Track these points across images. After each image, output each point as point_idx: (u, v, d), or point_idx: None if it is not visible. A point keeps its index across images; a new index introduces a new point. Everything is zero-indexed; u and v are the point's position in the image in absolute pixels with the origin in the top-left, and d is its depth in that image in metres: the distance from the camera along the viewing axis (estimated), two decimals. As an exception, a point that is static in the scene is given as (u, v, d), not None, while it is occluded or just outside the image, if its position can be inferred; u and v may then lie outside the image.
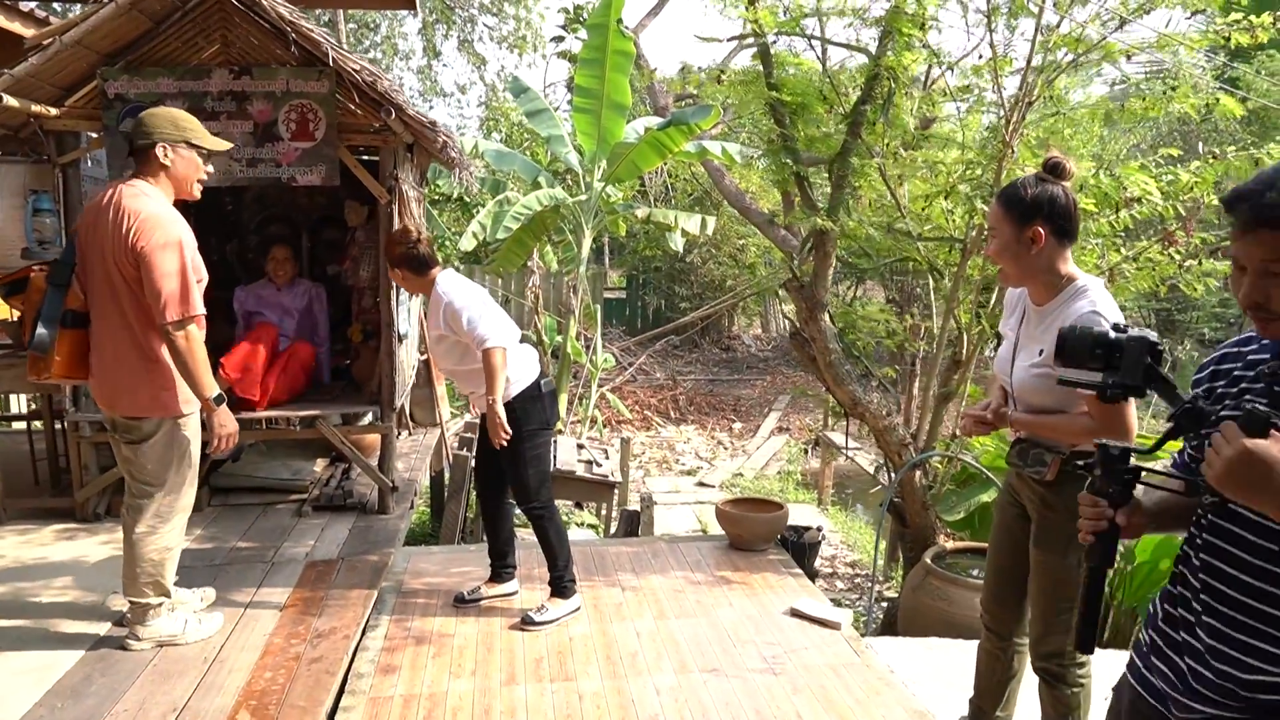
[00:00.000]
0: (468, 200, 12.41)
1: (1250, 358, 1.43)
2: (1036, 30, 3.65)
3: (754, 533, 4.46)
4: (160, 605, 3.19)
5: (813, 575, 4.49)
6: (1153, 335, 1.46)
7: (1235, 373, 1.45)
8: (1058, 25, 3.83)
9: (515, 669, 3.28)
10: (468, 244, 10.13)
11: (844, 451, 7.74)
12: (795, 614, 3.76)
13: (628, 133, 8.51)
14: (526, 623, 3.57)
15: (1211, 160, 4.04)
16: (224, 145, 3.16)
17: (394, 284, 4.51)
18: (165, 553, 3.14)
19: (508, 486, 3.73)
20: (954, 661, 3.58)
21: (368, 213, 5.15)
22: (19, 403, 6.80)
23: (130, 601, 3.19)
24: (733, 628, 3.65)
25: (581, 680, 3.21)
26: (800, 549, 4.56)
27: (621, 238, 14.12)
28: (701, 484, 9.11)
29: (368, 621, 3.57)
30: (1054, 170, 2.29)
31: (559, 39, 12.91)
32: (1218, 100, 4.04)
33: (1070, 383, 1.57)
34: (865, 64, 4.02)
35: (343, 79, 4.04)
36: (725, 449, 11.02)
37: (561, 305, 14.27)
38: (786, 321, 17.94)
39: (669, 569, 4.30)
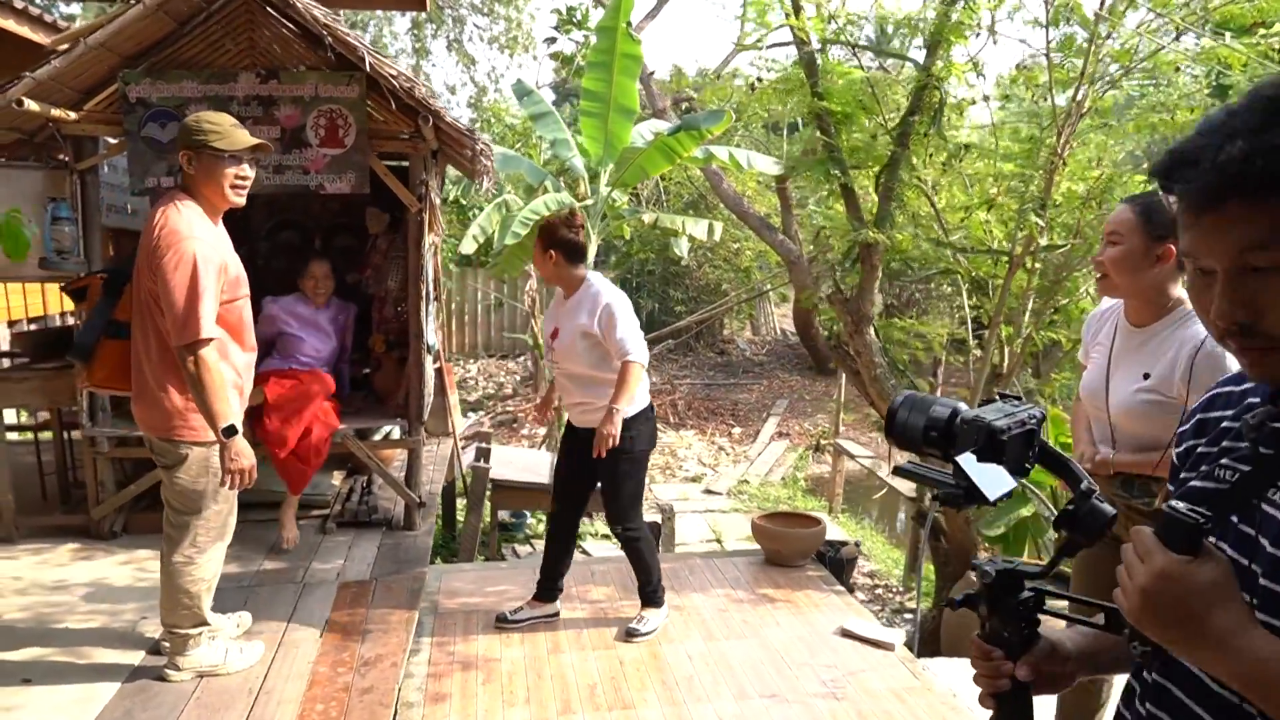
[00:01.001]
0: (464, 203, 12.26)
1: (1251, 399, 1.00)
2: (1091, 41, 3.60)
3: (793, 549, 4.38)
4: (199, 634, 3.05)
5: (850, 590, 4.41)
6: (1006, 418, 1.06)
7: (1224, 423, 1.02)
8: (1107, 36, 3.78)
9: (570, 697, 3.18)
10: (468, 247, 9.99)
11: (886, 466, 7.69)
12: (846, 634, 3.69)
13: (634, 137, 8.40)
14: (631, 635, 3.59)
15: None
16: (246, 142, 2.86)
17: (423, 294, 4.41)
18: (201, 584, 2.99)
19: (586, 507, 3.68)
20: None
21: (388, 220, 5.02)
22: (15, 413, 6.58)
23: (168, 630, 3.05)
24: (785, 649, 3.57)
25: (641, 709, 3.11)
26: (838, 564, 4.49)
27: (613, 241, 14.04)
28: (709, 491, 9.03)
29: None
30: None
31: (551, 40, 12.80)
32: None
33: (913, 476, 1.16)
34: (915, 74, 3.97)
35: (377, 84, 3.91)
36: (727, 455, 10.94)
37: (555, 309, 14.18)
38: (779, 326, 17.95)
39: (709, 586, 4.20)
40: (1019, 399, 1.16)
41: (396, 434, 5.20)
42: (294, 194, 4.86)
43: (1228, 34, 4.15)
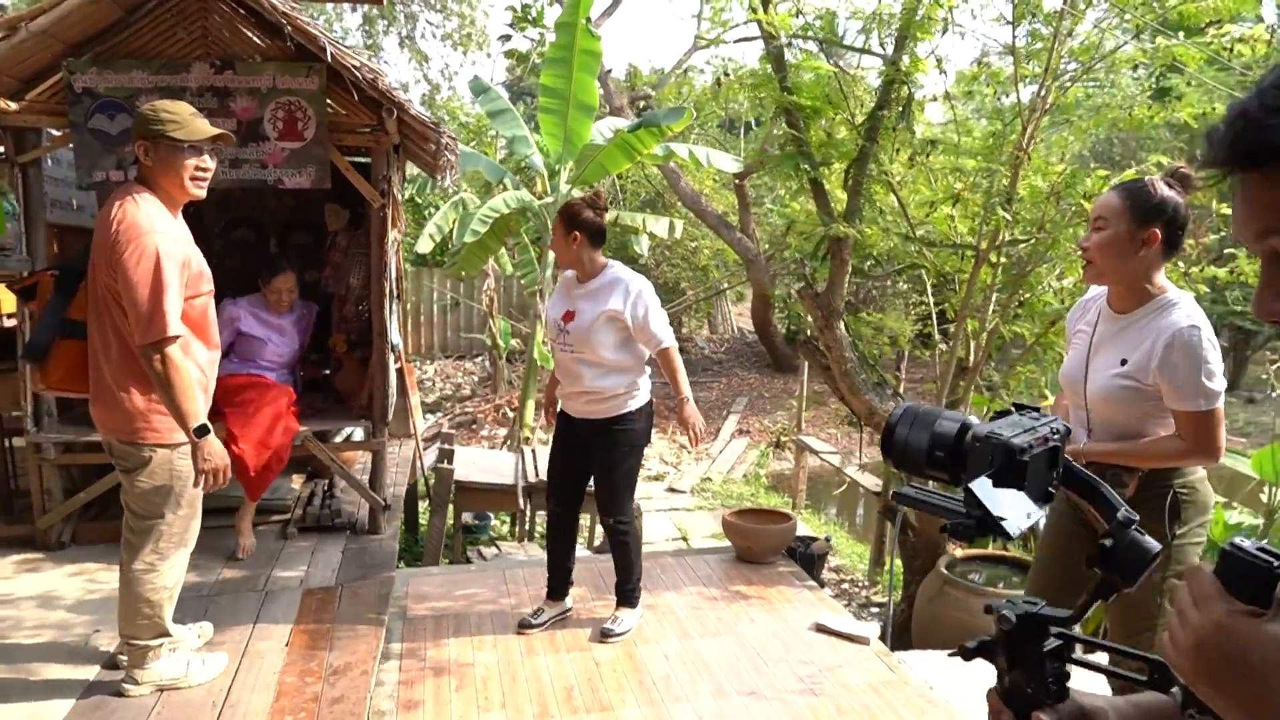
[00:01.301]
0: (420, 201, 12.08)
1: None
2: (1055, 37, 3.65)
3: (765, 545, 4.37)
4: (160, 646, 2.92)
5: (821, 585, 4.42)
6: (1026, 434, 0.92)
7: None
8: (1069, 34, 3.84)
9: (546, 700, 3.11)
10: (425, 246, 9.84)
11: (853, 462, 7.74)
12: (821, 629, 3.68)
13: (594, 134, 8.34)
14: (607, 635, 3.53)
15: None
16: (206, 132, 2.73)
17: (386, 292, 4.30)
18: (163, 592, 2.86)
19: (583, 501, 3.66)
20: (989, 676, 3.55)
21: (349, 216, 4.89)
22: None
23: (126, 643, 2.91)
24: (761, 646, 3.55)
25: (619, 710, 3.07)
26: (809, 560, 4.49)
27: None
28: (672, 489, 9.01)
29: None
30: (1182, 180, 2.24)
31: (506, 37, 12.68)
32: (1214, 109, 4.10)
33: (915, 503, 1.01)
34: (877, 70, 4.00)
35: (337, 76, 3.80)
36: (689, 453, 10.93)
37: (513, 309, 14.06)
38: (737, 324, 18.04)
39: (681, 585, 4.17)
40: (1037, 410, 1.02)
41: (358, 435, 5.08)
42: (249, 190, 4.72)
43: (1180, 34, 4.25)
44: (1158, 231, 2.19)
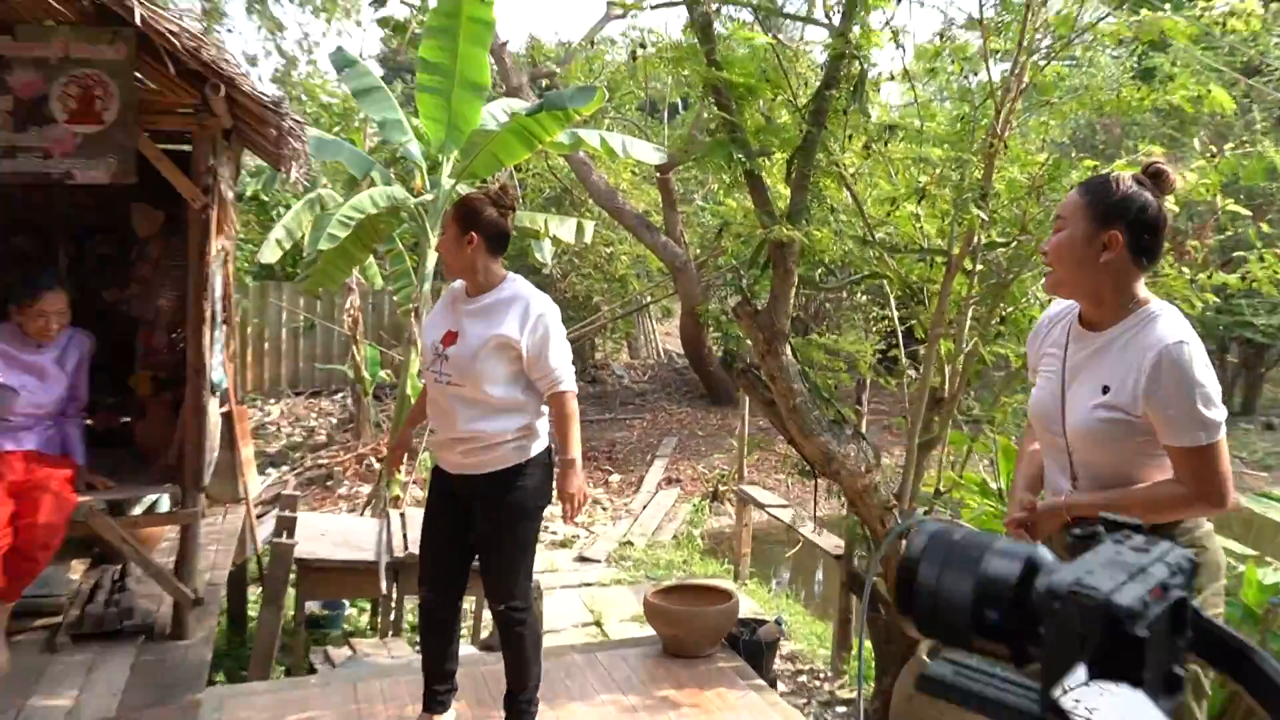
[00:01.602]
0: (266, 200, 11.77)
1: None
2: (1027, 8, 3.71)
3: (699, 633, 4.25)
4: None
5: (772, 683, 4.32)
6: (1134, 582, 0.72)
7: None
8: (1043, 3, 3.92)
9: None
10: (271, 255, 9.56)
11: (816, 519, 7.69)
12: (771, 744, 3.58)
13: (485, 118, 8.25)
14: None
15: (1211, 157, 4.22)
16: None
17: (207, 317, 4.09)
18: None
19: (466, 585, 3.51)
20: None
21: (163, 220, 4.67)
22: None
23: None
24: (694, 770, 3.42)
25: None
26: (756, 649, 4.40)
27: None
28: (583, 559, 8.86)
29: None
30: (1155, 177, 2.24)
31: (379, 3, 12.55)
32: (1209, 91, 4.21)
33: (955, 694, 0.77)
34: (828, 42, 4.00)
35: (150, 44, 3.61)
36: (604, 510, 10.79)
37: (383, 333, 13.79)
38: (663, 346, 18.09)
39: (591, 693, 4.00)
40: (1139, 529, 0.81)
41: (165, 505, 4.78)
42: (30, 185, 4.47)
43: (1167, 6, 4.38)
44: (1119, 234, 2.19)
